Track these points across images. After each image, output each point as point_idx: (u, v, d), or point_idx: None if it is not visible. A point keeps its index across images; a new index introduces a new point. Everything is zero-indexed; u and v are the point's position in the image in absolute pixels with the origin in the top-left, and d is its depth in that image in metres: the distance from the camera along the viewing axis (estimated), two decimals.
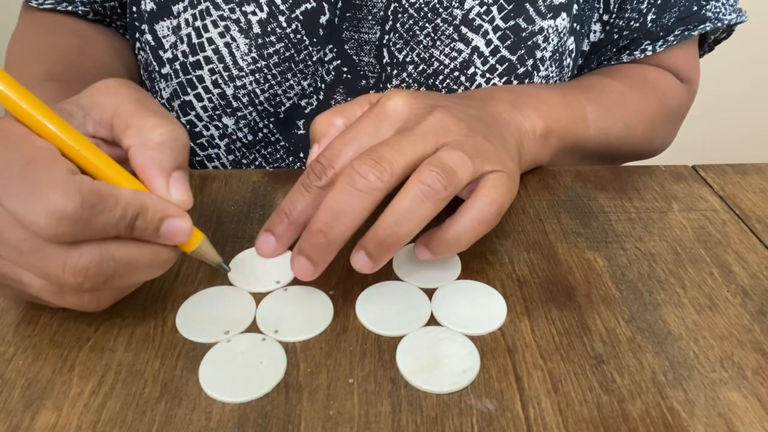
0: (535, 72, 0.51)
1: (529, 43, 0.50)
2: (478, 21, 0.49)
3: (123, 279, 0.30)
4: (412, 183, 0.32)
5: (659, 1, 0.54)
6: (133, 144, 0.31)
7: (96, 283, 0.29)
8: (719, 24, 0.56)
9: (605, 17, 0.56)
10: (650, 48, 0.56)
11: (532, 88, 0.48)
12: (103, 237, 0.29)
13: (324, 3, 0.48)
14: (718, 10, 0.55)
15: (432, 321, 0.34)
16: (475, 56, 0.49)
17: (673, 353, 0.33)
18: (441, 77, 0.50)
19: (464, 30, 0.49)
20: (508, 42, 0.49)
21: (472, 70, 0.50)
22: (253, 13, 0.48)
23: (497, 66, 0.50)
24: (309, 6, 0.48)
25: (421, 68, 0.50)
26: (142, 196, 0.29)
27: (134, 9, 0.52)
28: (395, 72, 0.51)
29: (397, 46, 0.50)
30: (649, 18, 0.55)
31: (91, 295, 0.30)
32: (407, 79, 0.51)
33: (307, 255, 0.33)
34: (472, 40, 0.49)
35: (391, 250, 0.33)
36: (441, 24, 0.49)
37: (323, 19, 0.49)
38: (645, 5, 0.54)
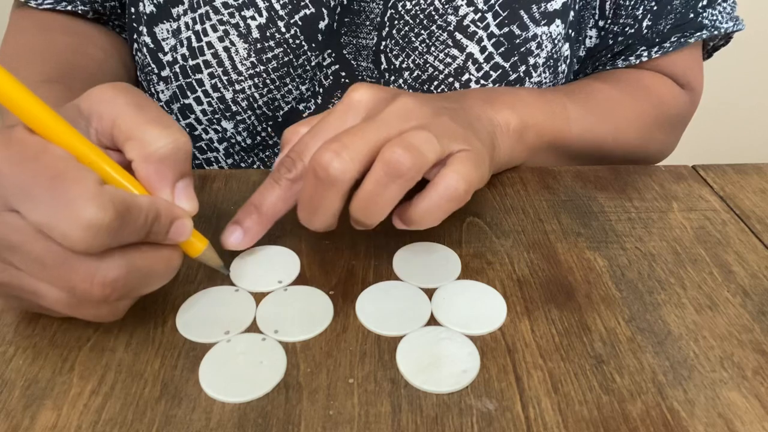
0: (527, 78, 0.50)
1: (522, 49, 0.49)
2: (473, 28, 0.49)
3: (143, 288, 0.30)
4: (376, 166, 0.32)
5: (655, 8, 0.54)
6: (135, 157, 0.30)
7: (122, 294, 0.29)
8: (716, 32, 0.55)
9: (601, 23, 0.55)
10: (645, 54, 0.56)
11: (508, 88, 0.48)
12: (125, 244, 0.29)
13: (323, 8, 0.48)
14: (714, 17, 0.55)
15: (432, 321, 0.34)
16: (469, 63, 0.49)
17: (673, 353, 0.33)
18: (436, 83, 0.50)
19: (459, 36, 0.49)
20: (502, 49, 0.49)
21: (466, 76, 0.50)
22: (253, 18, 0.48)
23: (491, 72, 0.50)
24: (308, 12, 0.48)
25: (416, 74, 0.50)
26: (156, 201, 0.30)
27: (132, 10, 0.52)
28: (392, 78, 0.51)
29: (394, 52, 0.50)
30: (644, 24, 0.54)
31: (110, 306, 0.30)
32: (403, 85, 0.51)
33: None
34: (467, 46, 0.49)
35: (374, 224, 0.33)
36: (436, 30, 0.49)
37: (322, 25, 0.49)
38: (640, 11, 0.54)
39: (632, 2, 0.54)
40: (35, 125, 0.29)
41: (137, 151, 0.30)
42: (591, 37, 0.56)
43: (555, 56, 0.51)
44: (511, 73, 0.50)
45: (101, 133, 0.31)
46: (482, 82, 0.50)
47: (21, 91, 0.28)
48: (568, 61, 0.54)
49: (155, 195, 0.31)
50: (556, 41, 0.51)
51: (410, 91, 0.50)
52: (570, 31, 0.52)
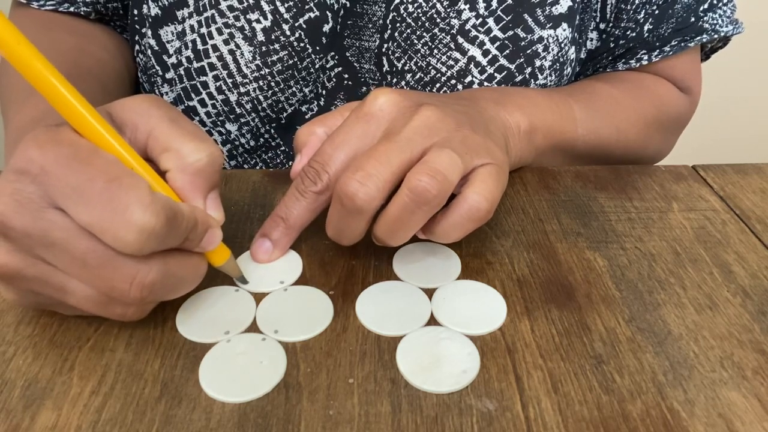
0: (532, 80, 0.51)
1: (528, 51, 0.50)
2: (474, 32, 0.49)
3: (172, 292, 0.31)
4: (402, 193, 0.32)
5: (656, 12, 0.54)
6: (171, 168, 0.31)
7: (155, 296, 0.30)
8: (716, 35, 0.55)
9: (602, 26, 0.55)
10: (646, 57, 0.56)
11: (517, 88, 0.48)
12: (164, 249, 0.29)
13: (327, 12, 0.48)
14: (715, 21, 0.55)
15: (432, 321, 0.34)
16: (471, 65, 0.49)
17: (673, 353, 0.33)
18: (438, 85, 0.50)
19: (461, 40, 0.49)
20: (507, 51, 0.49)
21: (469, 78, 0.50)
22: (258, 21, 0.48)
23: (495, 74, 0.50)
24: (312, 15, 0.48)
25: (418, 76, 0.50)
26: (195, 210, 0.31)
27: (135, 12, 0.52)
28: (394, 80, 0.51)
29: (396, 54, 0.50)
30: (645, 28, 0.55)
31: (140, 307, 0.31)
32: (405, 87, 0.51)
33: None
34: (468, 50, 0.49)
35: (397, 244, 0.35)
36: (438, 33, 0.49)
37: (326, 28, 0.49)
38: (642, 15, 0.54)
39: (634, 6, 0.54)
40: (83, 128, 0.29)
41: (174, 162, 0.31)
42: (592, 40, 0.56)
43: (561, 59, 0.52)
44: (516, 74, 0.50)
45: (134, 143, 0.32)
46: (485, 84, 0.50)
47: (72, 94, 0.29)
48: (573, 64, 0.54)
49: (190, 204, 0.32)
50: (563, 44, 0.51)
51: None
52: (575, 34, 0.52)
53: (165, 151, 0.31)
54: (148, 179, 0.30)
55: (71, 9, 0.54)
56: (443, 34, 0.49)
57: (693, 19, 0.55)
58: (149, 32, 0.51)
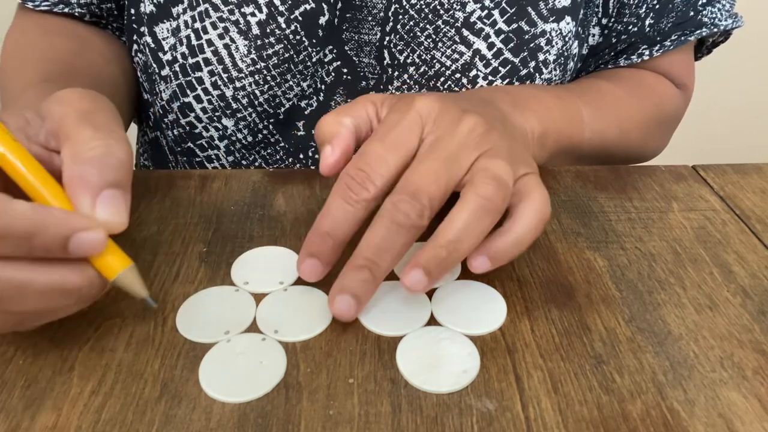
0: (537, 74, 0.51)
1: (531, 45, 0.50)
2: (479, 24, 0.49)
3: (15, 303, 0.27)
4: (469, 197, 0.32)
5: (657, 6, 0.54)
6: (64, 157, 0.28)
7: None
8: (715, 29, 0.56)
9: (604, 21, 0.56)
10: (647, 53, 0.57)
11: (529, 90, 0.48)
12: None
13: (323, 4, 0.48)
14: (714, 15, 0.56)
15: (432, 321, 0.34)
16: (476, 59, 0.49)
17: (673, 353, 0.33)
18: (442, 79, 0.50)
19: (465, 33, 0.49)
20: (512, 44, 0.49)
21: (474, 72, 0.50)
22: (252, 14, 0.48)
23: (500, 68, 0.50)
24: (308, 7, 0.48)
25: (422, 70, 0.50)
26: (41, 212, 0.26)
27: (132, 12, 0.52)
28: (396, 73, 0.51)
29: (398, 47, 0.50)
30: (647, 22, 0.55)
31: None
32: (408, 81, 0.51)
33: (352, 292, 0.32)
34: (474, 43, 0.49)
35: (450, 268, 0.32)
36: (442, 26, 0.49)
37: (322, 20, 0.49)
38: (643, 10, 0.55)
39: (636, 0, 0.54)
40: None
41: (68, 150, 0.29)
42: (594, 36, 0.57)
43: (565, 53, 0.52)
44: (521, 68, 0.50)
45: (50, 133, 0.30)
46: (490, 78, 0.50)
47: None
48: (575, 58, 0.54)
49: (75, 201, 0.28)
50: (566, 38, 0.51)
51: (417, 87, 0.51)
52: (579, 28, 0.53)
53: (65, 141, 0.29)
54: (24, 174, 0.28)
55: (66, 10, 0.54)
56: (447, 27, 0.49)
57: (692, 13, 0.55)
58: (146, 30, 0.51)
